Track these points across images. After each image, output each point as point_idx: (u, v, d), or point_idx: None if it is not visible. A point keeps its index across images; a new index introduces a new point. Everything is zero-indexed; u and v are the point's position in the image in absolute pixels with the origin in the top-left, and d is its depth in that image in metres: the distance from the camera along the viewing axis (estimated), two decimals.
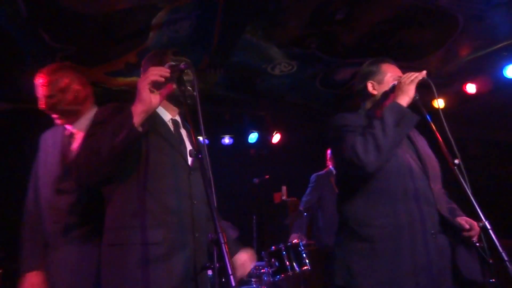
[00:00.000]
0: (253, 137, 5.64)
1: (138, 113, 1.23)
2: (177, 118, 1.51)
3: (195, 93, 1.28)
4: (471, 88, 4.43)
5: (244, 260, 1.58)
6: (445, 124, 1.51)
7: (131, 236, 1.25)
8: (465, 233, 1.58)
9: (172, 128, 1.45)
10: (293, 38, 3.67)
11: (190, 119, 1.31)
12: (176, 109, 1.50)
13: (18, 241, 1.65)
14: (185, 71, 1.31)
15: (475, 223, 1.61)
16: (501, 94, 4.58)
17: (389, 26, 3.50)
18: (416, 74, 1.59)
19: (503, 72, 4.06)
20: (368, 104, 1.77)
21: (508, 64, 4.00)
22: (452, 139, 1.46)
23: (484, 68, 4.25)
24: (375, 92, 1.73)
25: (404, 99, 1.56)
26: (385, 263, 1.47)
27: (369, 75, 1.77)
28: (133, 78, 4.26)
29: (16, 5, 2.83)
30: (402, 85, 1.59)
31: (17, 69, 3.76)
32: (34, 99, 1.76)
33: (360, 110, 1.80)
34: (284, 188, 4.64)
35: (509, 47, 3.87)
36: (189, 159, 1.40)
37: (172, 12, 3.09)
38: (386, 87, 1.71)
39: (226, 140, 5.56)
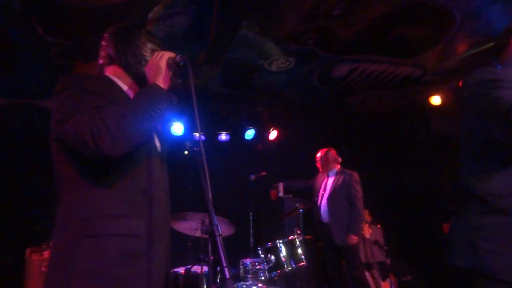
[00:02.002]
0: (250, 133, 5.62)
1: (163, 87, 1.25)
2: None
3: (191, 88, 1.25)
4: None
5: None
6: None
7: (110, 227, 1.14)
8: None
9: None
10: (290, 34, 3.66)
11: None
12: None
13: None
14: (181, 64, 1.29)
15: None
16: None
17: (386, 22, 3.50)
18: None
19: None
20: (501, 61, 1.59)
21: None
22: None
23: (481, 65, 4.25)
24: None
25: None
26: None
27: None
28: None
29: None
30: None
31: (11, 64, 3.72)
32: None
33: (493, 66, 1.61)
34: (281, 184, 4.63)
35: None
36: (158, 146, 1.37)
37: (168, 6, 3.07)
38: None
39: (223, 136, 5.54)
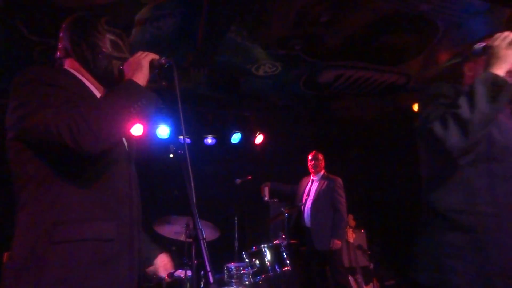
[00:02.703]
0: (236, 137, 5.62)
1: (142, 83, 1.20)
2: None
3: (177, 91, 1.23)
4: None
5: (166, 261, 1.50)
6: None
7: (81, 231, 1.07)
8: None
9: None
10: (277, 39, 3.68)
11: None
12: None
13: None
14: (166, 66, 1.28)
15: None
16: None
17: (372, 30, 3.56)
18: (506, 33, 1.33)
19: None
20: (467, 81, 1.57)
21: None
22: None
23: (462, 74, 4.36)
24: (470, 74, 1.54)
25: (501, 67, 1.28)
26: (484, 257, 1.25)
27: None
28: None
29: None
30: (497, 50, 1.31)
31: None
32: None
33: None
34: (266, 189, 4.63)
35: None
36: (126, 145, 1.31)
37: (155, 8, 3.05)
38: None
39: (209, 140, 5.52)
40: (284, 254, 3.17)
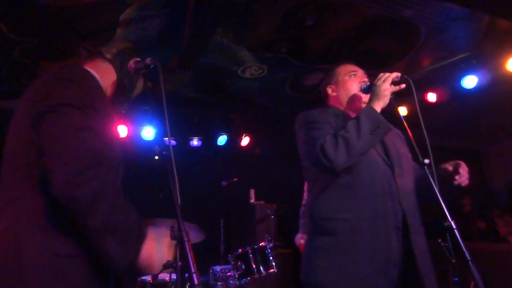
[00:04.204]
0: (222, 139, 5.61)
1: None
2: None
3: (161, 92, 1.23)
4: (431, 97, 4.65)
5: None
6: (421, 121, 1.47)
7: (83, 246, 1.04)
8: (457, 177, 1.55)
9: None
10: (263, 42, 3.70)
11: None
12: None
13: None
14: (151, 66, 1.27)
15: (461, 162, 1.58)
16: (459, 103, 4.84)
17: (356, 34, 3.61)
18: (388, 74, 1.56)
19: (461, 83, 4.28)
20: (332, 104, 1.83)
21: (465, 75, 4.23)
22: (427, 139, 1.41)
23: (444, 78, 4.47)
24: (334, 94, 1.80)
25: (379, 104, 1.54)
26: (345, 257, 1.47)
27: (327, 82, 1.85)
28: None
29: None
30: (377, 89, 1.56)
31: None
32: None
33: (325, 105, 1.86)
34: (252, 191, 4.63)
35: (467, 59, 4.10)
36: None
37: (140, 9, 3.02)
38: (342, 85, 1.77)
39: (195, 142, 5.49)
40: (270, 256, 3.17)
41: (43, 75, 1.18)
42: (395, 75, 1.55)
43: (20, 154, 1.09)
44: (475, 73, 4.18)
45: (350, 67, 1.82)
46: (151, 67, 1.27)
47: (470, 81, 4.22)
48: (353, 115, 1.68)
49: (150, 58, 1.27)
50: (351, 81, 1.77)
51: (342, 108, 1.77)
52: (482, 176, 7.28)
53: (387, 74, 1.56)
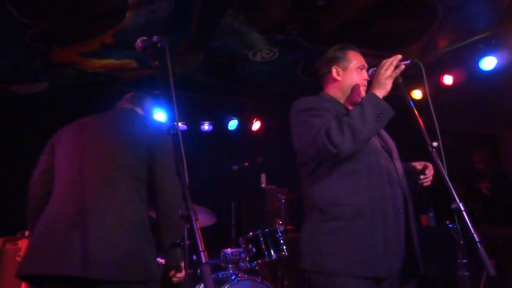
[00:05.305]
0: (233, 124, 5.59)
1: None
2: None
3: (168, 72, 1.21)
4: (448, 79, 4.52)
5: None
6: (430, 103, 1.53)
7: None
8: (421, 177, 1.67)
9: None
10: (274, 24, 3.62)
11: None
12: None
13: None
14: (158, 45, 1.25)
15: (429, 164, 1.67)
16: (476, 86, 4.69)
17: (370, 14, 3.50)
18: (391, 60, 1.57)
19: (479, 64, 4.14)
20: (331, 89, 1.79)
21: (484, 56, 4.08)
22: (436, 123, 1.47)
23: (461, 60, 4.33)
24: (338, 78, 1.75)
25: (380, 92, 1.55)
26: (358, 241, 1.47)
27: (334, 61, 1.78)
28: (109, 61, 4.11)
29: None
30: (380, 77, 1.56)
31: None
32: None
33: (321, 93, 1.82)
34: (263, 175, 4.63)
35: (486, 40, 3.94)
36: None
37: None
38: (350, 74, 1.73)
39: (206, 126, 5.49)
40: (281, 239, 3.18)
41: None
42: (397, 60, 1.56)
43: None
44: (494, 54, 4.03)
45: (361, 59, 1.78)
46: (158, 45, 1.24)
47: (488, 63, 4.08)
48: (349, 107, 1.71)
49: (157, 36, 1.25)
50: (358, 75, 1.74)
51: (339, 95, 1.76)
52: (498, 161, 7.12)
53: (390, 60, 1.56)
